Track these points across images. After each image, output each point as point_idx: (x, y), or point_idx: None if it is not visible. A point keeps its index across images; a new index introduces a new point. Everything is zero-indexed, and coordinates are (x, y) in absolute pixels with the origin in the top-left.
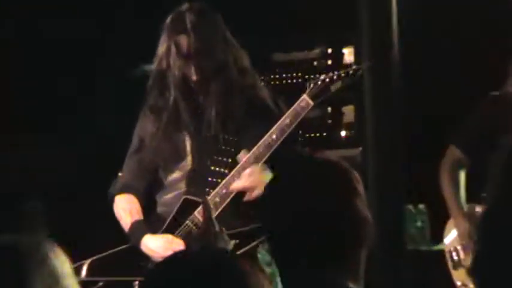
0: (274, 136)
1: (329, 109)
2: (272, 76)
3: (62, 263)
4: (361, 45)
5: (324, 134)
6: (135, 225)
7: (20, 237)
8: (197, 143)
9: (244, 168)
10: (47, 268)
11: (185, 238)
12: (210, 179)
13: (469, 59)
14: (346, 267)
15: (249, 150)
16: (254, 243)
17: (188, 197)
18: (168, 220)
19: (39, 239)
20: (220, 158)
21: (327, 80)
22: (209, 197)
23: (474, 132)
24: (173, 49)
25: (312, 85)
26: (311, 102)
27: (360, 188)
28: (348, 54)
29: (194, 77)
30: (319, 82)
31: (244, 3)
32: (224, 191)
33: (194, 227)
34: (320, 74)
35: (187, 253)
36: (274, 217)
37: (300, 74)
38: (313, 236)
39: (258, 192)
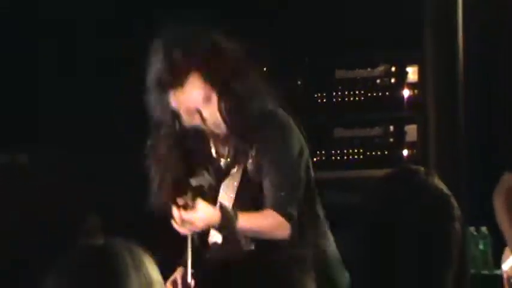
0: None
1: (391, 128)
2: (334, 93)
3: (153, 269)
4: (426, 65)
5: (386, 152)
6: None
7: (113, 241)
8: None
9: None
10: (141, 273)
11: None
12: None
13: None
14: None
15: None
16: None
17: None
18: None
19: (132, 245)
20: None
21: None
22: None
23: None
24: None
25: None
26: None
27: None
28: (412, 73)
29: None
30: None
31: (308, 21)
32: None
33: None
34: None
35: None
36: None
37: (362, 92)
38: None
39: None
